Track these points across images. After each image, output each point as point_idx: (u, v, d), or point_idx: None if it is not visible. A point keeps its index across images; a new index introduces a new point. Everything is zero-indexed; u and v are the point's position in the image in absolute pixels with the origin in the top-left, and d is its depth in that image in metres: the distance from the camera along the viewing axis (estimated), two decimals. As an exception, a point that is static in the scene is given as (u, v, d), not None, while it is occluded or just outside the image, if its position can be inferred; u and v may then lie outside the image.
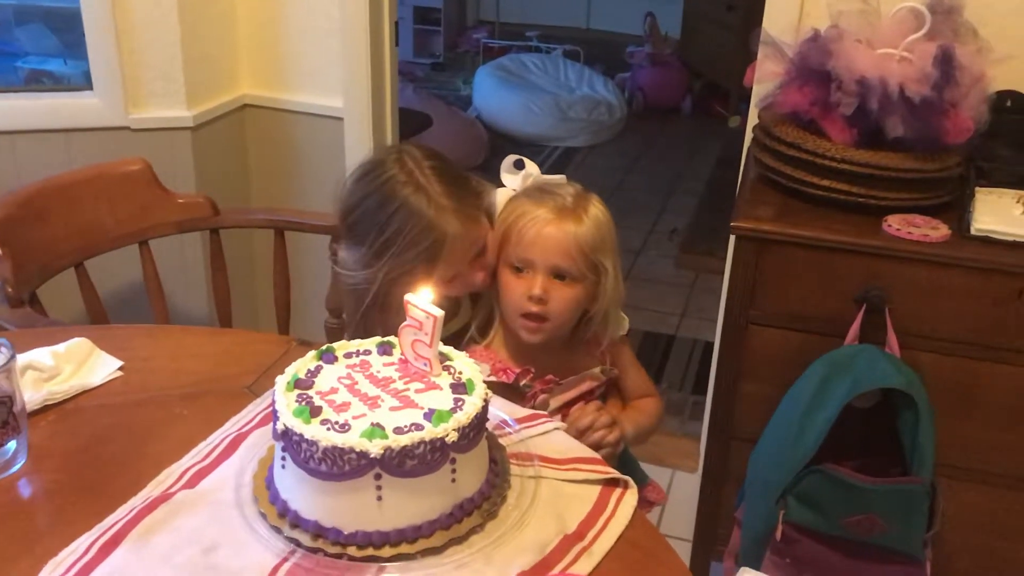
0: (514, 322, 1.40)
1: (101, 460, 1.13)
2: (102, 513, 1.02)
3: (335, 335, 2.00)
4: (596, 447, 1.33)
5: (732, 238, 1.73)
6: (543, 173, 1.48)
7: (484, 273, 1.43)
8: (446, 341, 1.44)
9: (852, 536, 1.57)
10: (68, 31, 2.42)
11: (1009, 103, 1.81)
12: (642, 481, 1.56)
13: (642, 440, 1.53)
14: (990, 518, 1.74)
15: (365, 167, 1.44)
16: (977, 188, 1.72)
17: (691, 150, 5.26)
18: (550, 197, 1.38)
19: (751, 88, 2.04)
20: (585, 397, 1.48)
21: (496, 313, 1.46)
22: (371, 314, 1.42)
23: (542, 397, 1.42)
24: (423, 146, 1.45)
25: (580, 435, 1.33)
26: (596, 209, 1.39)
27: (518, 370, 1.41)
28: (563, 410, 1.44)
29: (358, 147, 2.47)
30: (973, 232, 1.60)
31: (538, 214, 1.35)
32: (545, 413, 1.25)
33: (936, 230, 1.61)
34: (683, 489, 2.45)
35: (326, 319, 2.03)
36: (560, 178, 1.47)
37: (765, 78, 1.83)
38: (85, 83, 2.34)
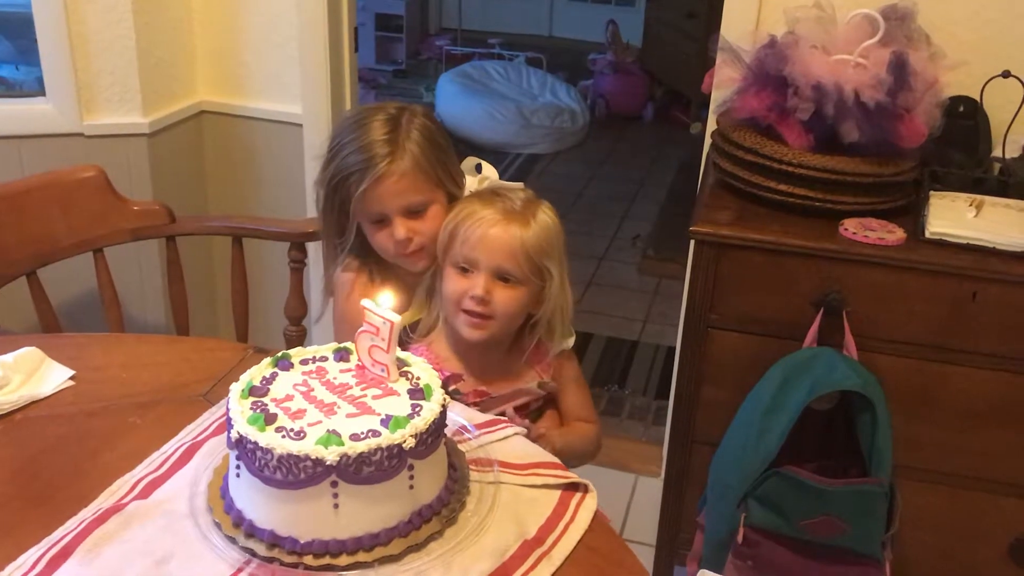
0: (455, 318, 1.39)
1: (50, 472, 1.10)
2: (51, 526, 1.00)
3: (295, 343, 1.98)
4: None
5: (692, 243, 1.74)
6: (506, 180, 1.48)
7: (412, 238, 1.42)
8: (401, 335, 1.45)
9: (812, 538, 1.58)
10: (21, 36, 2.38)
11: (962, 108, 1.84)
12: None
13: (570, 461, 1.39)
14: (948, 518, 1.76)
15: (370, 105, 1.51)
16: (931, 192, 1.74)
17: (653, 157, 5.29)
18: (500, 200, 1.38)
19: (710, 95, 2.05)
20: (519, 411, 1.45)
21: (438, 311, 1.45)
22: (327, 225, 1.48)
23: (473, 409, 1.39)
24: (430, 112, 1.49)
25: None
26: (545, 215, 1.39)
27: (448, 373, 1.40)
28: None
29: (318, 154, 2.45)
30: (928, 235, 1.62)
31: (485, 215, 1.36)
32: (505, 419, 1.24)
33: (892, 234, 1.63)
34: (647, 494, 2.46)
35: (285, 327, 2.01)
36: (517, 185, 1.47)
37: (723, 84, 1.84)
38: (38, 89, 2.29)
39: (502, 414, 1.39)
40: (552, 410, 1.51)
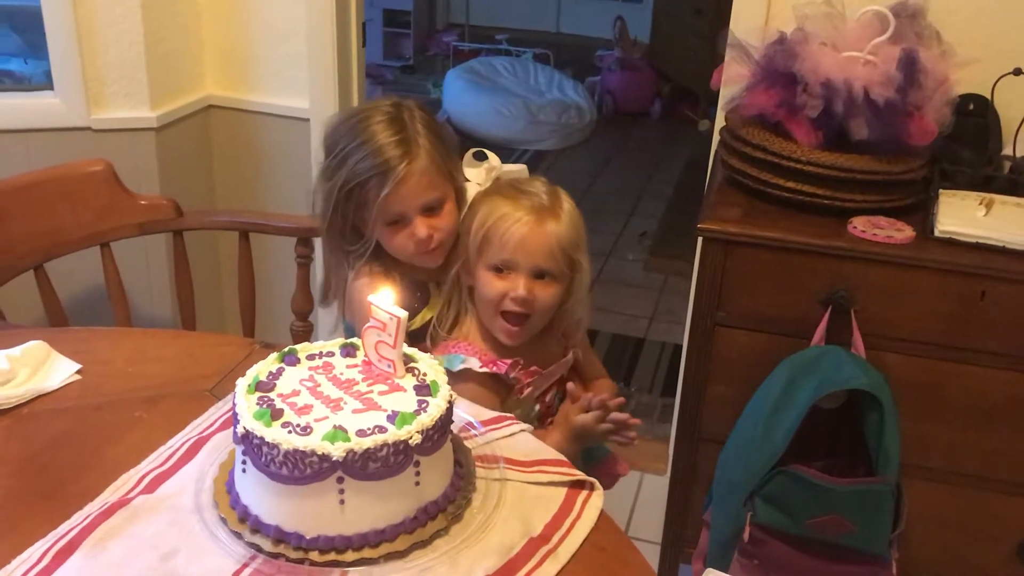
0: (492, 322, 1.40)
1: (56, 466, 1.10)
2: (57, 520, 1.00)
3: (301, 338, 1.98)
4: (613, 431, 1.37)
5: (699, 240, 1.73)
6: None
7: (433, 235, 1.42)
8: (417, 332, 1.44)
9: (819, 536, 1.58)
10: (29, 31, 2.38)
11: (972, 106, 1.83)
12: (604, 453, 1.56)
13: None
14: (955, 517, 1.76)
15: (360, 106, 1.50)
16: (941, 190, 1.73)
17: (660, 154, 5.28)
18: (525, 196, 1.38)
19: (719, 91, 2.05)
20: (556, 384, 1.49)
21: (465, 309, 1.46)
22: (334, 234, 1.46)
23: (528, 390, 1.42)
24: (423, 104, 1.48)
25: (598, 420, 1.35)
26: (568, 204, 1.41)
27: (508, 361, 1.41)
28: (539, 398, 1.45)
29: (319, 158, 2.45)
30: (937, 234, 1.62)
31: (519, 216, 1.36)
32: (511, 416, 1.24)
33: (900, 232, 1.62)
34: (652, 492, 2.45)
35: (292, 322, 2.00)
36: (520, 167, 1.49)
37: (732, 81, 1.83)
38: (46, 83, 2.29)
39: (546, 391, 1.45)
40: (575, 381, 1.52)
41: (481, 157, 1.50)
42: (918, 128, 1.65)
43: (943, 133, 1.68)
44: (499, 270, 1.38)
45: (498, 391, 1.40)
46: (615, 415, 1.37)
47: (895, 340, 1.66)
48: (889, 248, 1.60)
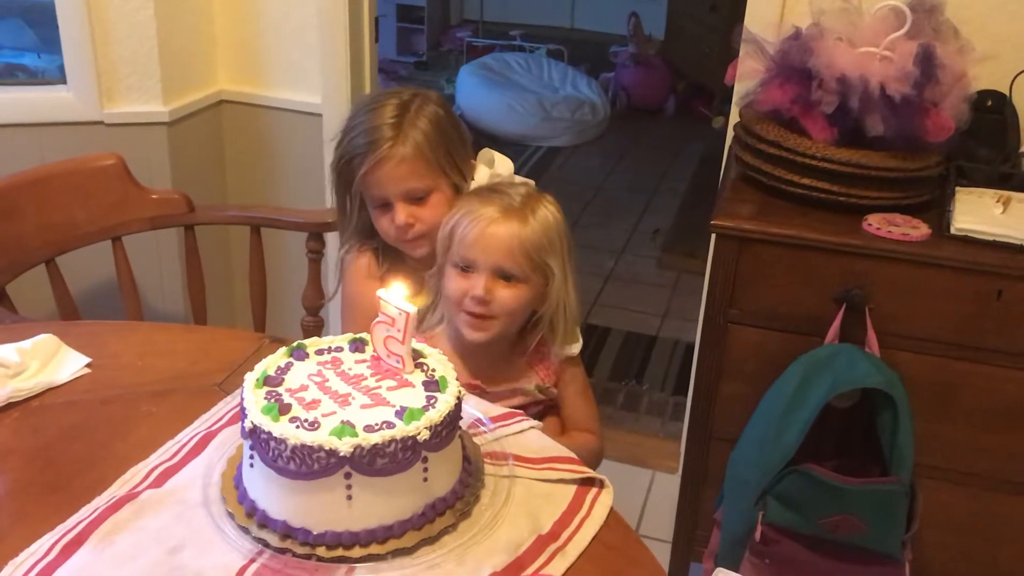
0: (456, 318, 1.37)
1: (65, 459, 1.10)
2: (65, 513, 1.00)
3: (312, 333, 1.98)
4: None
5: (712, 236, 1.72)
6: (525, 173, 1.47)
7: (413, 225, 1.43)
8: None
9: (831, 536, 1.57)
10: (43, 25, 2.38)
11: (990, 103, 1.81)
12: None
13: None
14: (969, 519, 1.74)
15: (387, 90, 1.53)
16: (957, 187, 1.71)
17: (674, 151, 5.25)
18: (498, 196, 1.36)
19: (733, 87, 2.03)
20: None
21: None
22: (338, 206, 1.50)
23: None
24: (444, 100, 1.49)
25: None
26: (546, 211, 1.36)
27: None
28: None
29: (335, 137, 2.45)
30: (953, 231, 1.60)
31: (482, 213, 1.33)
32: (521, 412, 1.23)
33: (916, 229, 1.61)
34: (664, 491, 2.44)
35: (303, 317, 2.00)
36: (520, 180, 1.47)
37: (746, 76, 1.82)
38: (59, 77, 2.30)
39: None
40: (553, 417, 1.48)
41: (493, 163, 1.49)
42: (935, 124, 1.63)
43: (960, 129, 1.66)
44: (463, 268, 1.35)
45: None
46: None
47: (910, 339, 1.64)
48: (904, 246, 1.58)
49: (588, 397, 1.51)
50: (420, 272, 1.50)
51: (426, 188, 1.43)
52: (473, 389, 1.37)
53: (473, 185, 1.46)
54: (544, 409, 1.47)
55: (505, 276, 1.33)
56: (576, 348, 1.46)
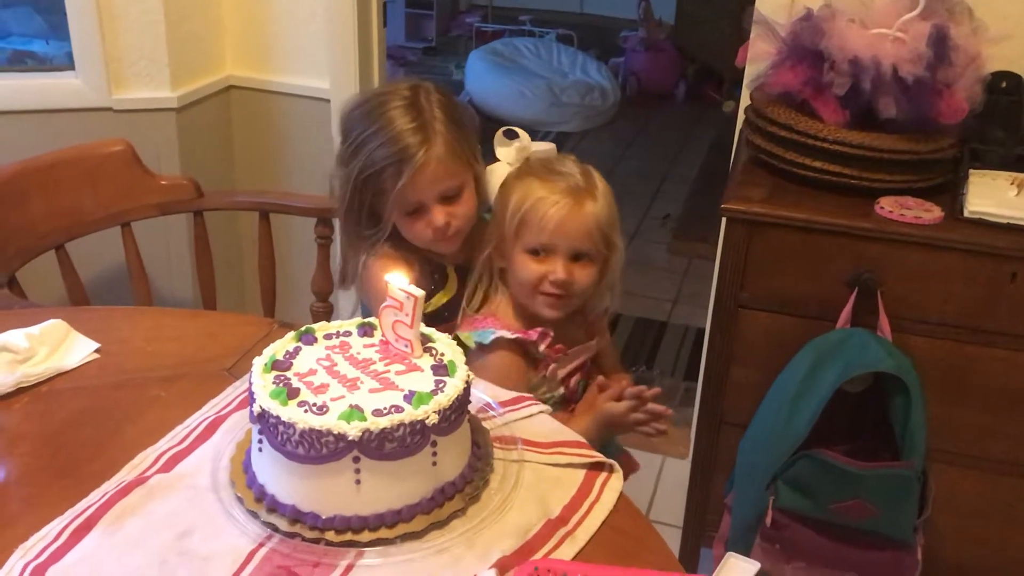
0: (533, 300, 1.39)
1: (75, 444, 1.10)
2: (75, 498, 1.00)
3: (321, 318, 1.97)
4: (644, 421, 1.36)
5: (723, 220, 1.71)
6: None
7: (451, 223, 1.42)
8: (432, 315, 1.43)
9: (842, 521, 1.56)
10: (51, 11, 2.39)
11: (1004, 84, 1.79)
12: (618, 451, 1.56)
13: None
14: (982, 503, 1.73)
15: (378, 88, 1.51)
16: (971, 170, 1.69)
17: (684, 136, 5.23)
18: (560, 177, 1.37)
19: (743, 69, 2.01)
20: (580, 369, 1.48)
21: (496, 289, 1.45)
22: (351, 219, 1.45)
23: (552, 366, 1.42)
24: (442, 87, 1.47)
25: (630, 409, 1.35)
26: (602, 183, 1.41)
27: (538, 330, 1.40)
28: (563, 382, 1.45)
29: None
30: (966, 214, 1.58)
31: (556, 199, 1.35)
32: (530, 396, 1.23)
33: (929, 212, 1.59)
34: (673, 475, 2.44)
35: (312, 303, 2.00)
36: (549, 146, 1.47)
37: (757, 58, 1.80)
38: (68, 64, 2.30)
39: (570, 375, 1.45)
40: (597, 375, 1.52)
41: (512, 135, 1.47)
42: (948, 106, 1.61)
43: (974, 112, 1.64)
44: (536, 253, 1.36)
45: (528, 362, 1.40)
46: (652, 405, 1.35)
47: (922, 323, 1.63)
48: (917, 229, 1.57)
49: (612, 342, 1.62)
50: (443, 263, 1.50)
51: (459, 185, 1.42)
52: (558, 352, 1.42)
53: (500, 167, 1.44)
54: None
55: (578, 256, 1.37)
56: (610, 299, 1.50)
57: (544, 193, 1.35)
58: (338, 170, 1.44)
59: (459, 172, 1.42)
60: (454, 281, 1.51)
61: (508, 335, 1.37)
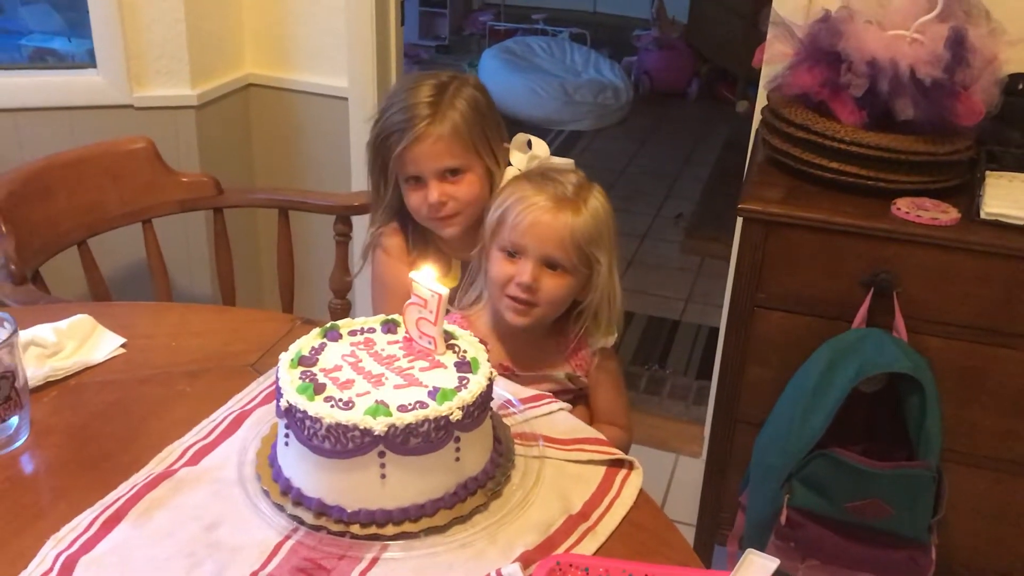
0: (499, 302, 1.36)
1: (103, 436, 1.12)
2: (104, 489, 1.02)
3: (339, 316, 1.99)
4: None
5: (739, 220, 1.72)
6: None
7: (446, 203, 1.45)
8: None
9: (857, 520, 1.57)
10: (73, 10, 2.41)
11: (1021, 86, 1.79)
12: None
13: None
14: (997, 504, 1.73)
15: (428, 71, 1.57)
16: (988, 172, 1.70)
17: (697, 135, 5.23)
18: (551, 184, 1.34)
19: (760, 70, 2.02)
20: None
21: (485, 291, 1.43)
22: (373, 178, 1.53)
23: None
24: (482, 85, 1.53)
25: None
26: (596, 201, 1.35)
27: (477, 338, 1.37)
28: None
29: (363, 127, 2.44)
30: (983, 216, 1.59)
31: (536, 201, 1.31)
32: (550, 395, 1.24)
33: (946, 214, 1.60)
34: (687, 474, 2.45)
35: (330, 300, 2.02)
36: (568, 162, 1.44)
37: (774, 59, 1.81)
38: (89, 61, 2.32)
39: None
40: (583, 406, 1.48)
41: (531, 145, 1.49)
42: (965, 108, 1.62)
43: (991, 113, 1.65)
44: (510, 254, 1.34)
45: None
46: None
47: (938, 324, 1.63)
48: (934, 230, 1.57)
49: (620, 390, 1.49)
50: (449, 255, 1.51)
51: (460, 167, 1.45)
52: (504, 371, 1.38)
53: (511, 171, 1.44)
54: (573, 398, 1.46)
55: (552, 265, 1.32)
56: (611, 340, 1.44)
57: (527, 194, 1.33)
58: (370, 136, 1.52)
59: (461, 155, 1.45)
60: (457, 274, 1.53)
61: None
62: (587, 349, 1.43)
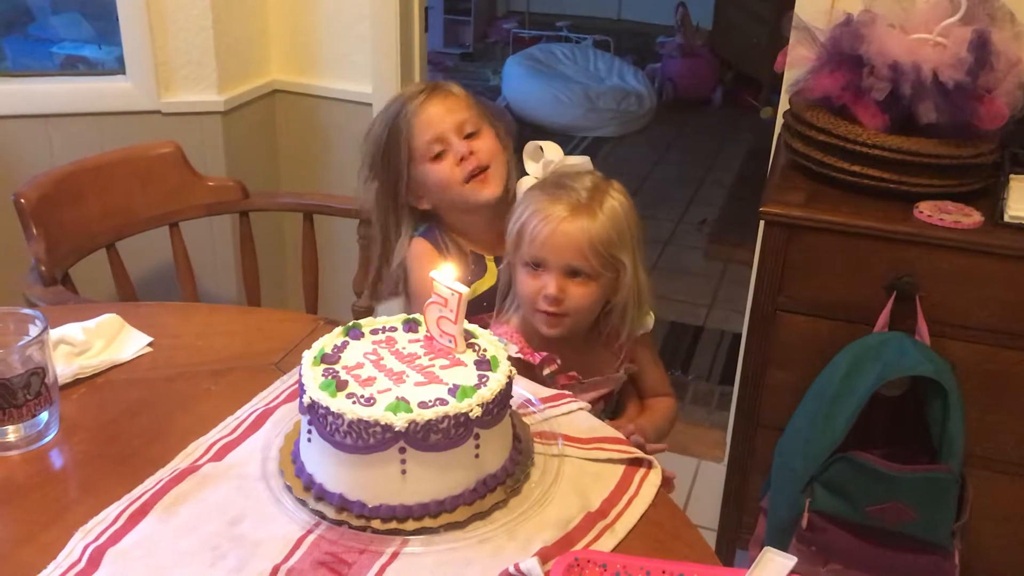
0: (532, 316, 1.38)
1: (130, 433, 1.14)
2: (131, 484, 1.04)
3: (362, 318, 2.01)
4: None
5: (761, 224, 1.72)
6: None
7: (475, 154, 1.49)
8: (472, 303, 1.45)
9: (879, 524, 1.56)
10: (102, 19, 2.45)
11: (1045, 89, 1.78)
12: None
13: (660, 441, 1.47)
14: (1021, 509, 1.72)
15: None
16: (1011, 175, 1.69)
17: (721, 141, 5.22)
18: (565, 192, 1.34)
19: (782, 74, 2.02)
20: (604, 397, 1.46)
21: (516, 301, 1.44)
22: (387, 193, 1.56)
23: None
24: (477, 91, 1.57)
25: None
26: (613, 200, 1.35)
27: (543, 354, 1.39)
28: None
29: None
30: (1006, 219, 1.58)
31: (552, 212, 1.32)
32: (569, 393, 1.25)
33: (968, 217, 1.59)
34: (709, 479, 2.44)
35: (354, 302, 2.03)
36: (583, 160, 1.45)
37: (796, 63, 1.81)
38: (118, 68, 2.36)
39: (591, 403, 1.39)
40: (633, 399, 1.51)
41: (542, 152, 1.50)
42: (988, 111, 1.61)
43: (1014, 116, 1.64)
44: (533, 267, 1.35)
45: (534, 380, 1.36)
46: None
47: (961, 328, 1.62)
48: (956, 233, 1.57)
49: (659, 363, 1.54)
50: (483, 254, 1.53)
51: (477, 122, 1.50)
52: (570, 380, 1.40)
53: (526, 180, 1.44)
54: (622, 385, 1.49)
55: (574, 273, 1.33)
56: (649, 323, 1.47)
57: (541, 206, 1.33)
58: (371, 151, 1.56)
59: (474, 118, 1.51)
60: (493, 271, 1.53)
61: (512, 352, 1.33)
62: (623, 339, 1.44)
